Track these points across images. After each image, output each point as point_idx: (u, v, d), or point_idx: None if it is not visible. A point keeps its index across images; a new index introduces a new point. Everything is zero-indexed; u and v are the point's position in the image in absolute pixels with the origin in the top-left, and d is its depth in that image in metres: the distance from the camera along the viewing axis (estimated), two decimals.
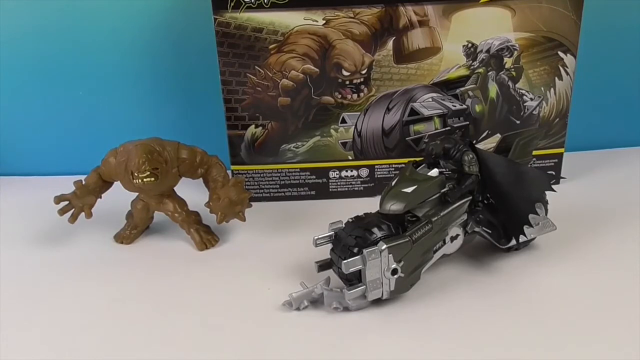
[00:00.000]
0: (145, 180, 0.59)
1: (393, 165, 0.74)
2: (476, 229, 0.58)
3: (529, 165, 0.62)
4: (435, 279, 0.57)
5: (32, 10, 0.77)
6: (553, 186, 0.60)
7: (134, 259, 0.63)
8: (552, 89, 0.72)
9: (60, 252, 0.65)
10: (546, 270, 0.58)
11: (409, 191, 0.53)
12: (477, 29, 0.68)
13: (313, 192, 0.75)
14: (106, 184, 0.64)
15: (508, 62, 0.70)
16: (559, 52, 0.70)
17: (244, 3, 0.65)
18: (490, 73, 0.71)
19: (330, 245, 0.55)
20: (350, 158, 0.73)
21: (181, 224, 0.65)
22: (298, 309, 0.53)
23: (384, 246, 0.50)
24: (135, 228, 0.66)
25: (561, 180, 0.73)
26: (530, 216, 0.57)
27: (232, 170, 0.73)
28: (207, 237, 0.65)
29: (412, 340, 0.49)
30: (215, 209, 0.61)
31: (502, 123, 0.73)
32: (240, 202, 0.62)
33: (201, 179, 0.65)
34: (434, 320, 0.51)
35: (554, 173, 0.74)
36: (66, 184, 0.63)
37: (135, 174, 0.58)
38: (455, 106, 0.72)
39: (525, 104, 0.72)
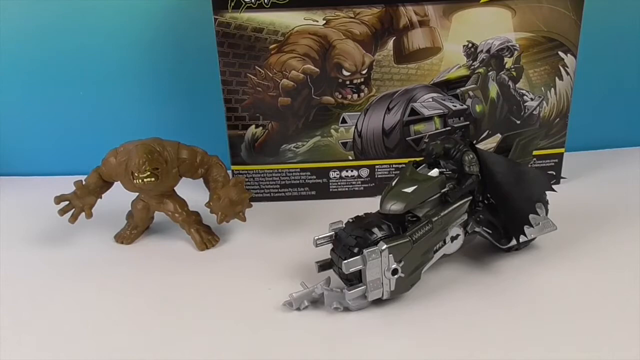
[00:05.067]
0: (145, 180, 0.59)
1: (393, 165, 0.74)
2: (476, 229, 0.58)
3: (530, 166, 0.62)
4: (436, 279, 0.57)
5: (33, 11, 0.77)
6: (553, 186, 0.60)
7: (134, 259, 0.63)
8: (552, 89, 0.72)
9: (60, 252, 0.65)
10: (546, 270, 0.58)
11: (409, 191, 0.53)
12: (478, 29, 0.68)
13: (313, 192, 0.75)
14: (106, 184, 0.64)
15: (508, 62, 0.70)
16: (560, 52, 0.70)
17: (244, 3, 0.65)
18: (490, 73, 0.71)
19: (330, 246, 0.55)
20: (350, 158, 0.73)
21: (181, 224, 0.65)
22: (298, 309, 0.53)
23: (385, 246, 0.50)
24: (136, 228, 0.66)
25: (561, 180, 0.73)
26: (531, 216, 0.57)
27: (233, 170, 0.73)
28: (207, 237, 0.65)
29: (412, 340, 0.49)
30: (216, 209, 0.61)
31: (503, 123, 0.73)
32: (240, 202, 0.62)
33: (201, 179, 0.65)
34: (434, 320, 0.51)
35: (554, 173, 0.74)
36: (66, 184, 0.63)
37: (136, 174, 0.58)
38: (455, 106, 0.72)
39: (525, 104, 0.72)
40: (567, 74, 0.71)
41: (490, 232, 0.59)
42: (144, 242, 0.67)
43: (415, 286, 0.54)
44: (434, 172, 0.55)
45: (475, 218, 0.57)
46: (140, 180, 0.59)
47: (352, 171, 0.74)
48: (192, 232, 0.64)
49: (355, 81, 0.70)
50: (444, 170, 0.56)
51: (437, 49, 0.69)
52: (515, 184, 0.56)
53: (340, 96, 0.70)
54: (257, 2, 0.65)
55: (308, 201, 0.75)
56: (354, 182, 0.75)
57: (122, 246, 0.66)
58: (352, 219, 0.55)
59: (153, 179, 0.59)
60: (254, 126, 0.71)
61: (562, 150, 0.75)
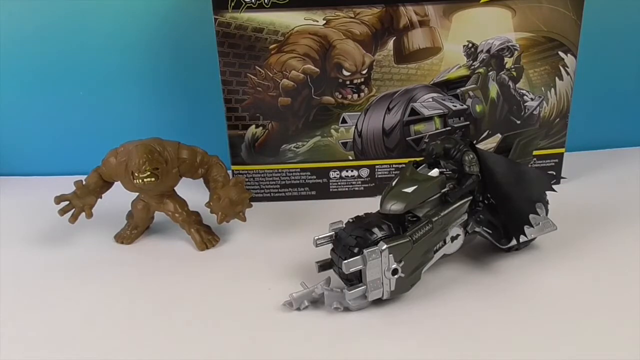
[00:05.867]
0: (145, 180, 0.59)
1: (393, 166, 0.74)
2: (476, 229, 0.58)
3: (530, 166, 0.62)
4: (436, 279, 0.57)
5: (33, 11, 0.77)
6: (553, 186, 0.60)
7: (134, 259, 0.63)
8: (552, 89, 0.72)
9: (60, 252, 0.65)
10: (546, 270, 0.58)
11: (410, 191, 0.53)
12: (478, 29, 0.68)
13: (313, 192, 0.75)
14: (106, 184, 0.64)
15: (508, 62, 0.70)
16: (560, 52, 0.70)
17: (244, 3, 0.65)
18: (490, 73, 0.71)
19: (330, 246, 0.55)
20: (350, 158, 0.73)
21: (182, 224, 0.65)
22: (298, 309, 0.53)
23: (385, 246, 0.50)
24: (136, 228, 0.66)
25: (561, 180, 0.73)
26: (531, 216, 0.57)
27: (233, 170, 0.73)
28: (207, 237, 0.65)
29: (412, 340, 0.49)
30: (216, 209, 0.61)
31: (503, 123, 0.73)
32: (240, 202, 0.62)
33: (201, 179, 0.65)
34: (434, 320, 0.51)
35: (554, 173, 0.74)
36: (66, 184, 0.63)
37: (136, 174, 0.58)
38: (455, 106, 0.72)
39: (525, 104, 0.72)
40: (567, 74, 0.71)
41: (490, 232, 0.59)
42: (144, 242, 0.67)
43: (415, 286, 0.54)
44: (434, 172, 0.55)
45: (475, 218, 0.57)
46: (140, 180, 0.59)
47: (352, 171, 0.74)
48: (192, 232, 0.64)
49: (355, 81, 0.70)
50: (444, 170, 0.56)
51: (437, 49, 0.69)
52: (515, 184, 0.56)
53: (340, 96, 0.70)
54: (257, 2, 0.65)
55: (308, 201, 0.75)
56: (354, 182, 0.75)
57: (122, 246, 0.66)
58: (352, 219, 0.55)
59: (153, 179, 0.59)
60: (254, 126, 0.71)
61: (562, 150, 0.75)
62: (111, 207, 0.66)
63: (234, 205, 0.62)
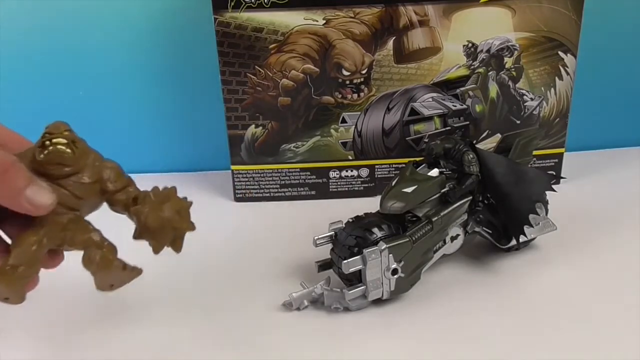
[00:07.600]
0: (58, 147, 0.41)
1: (393, 165, 0.74)
2: (476, 229, 0.58)
3: (529, 165, 0.62)
4: (436, 279, 0.57)
5: (32, 10, 0.77)
6: (553, 186, 0.60)
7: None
8: (552, 89, 0.72)
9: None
10: (546, 270, 0.58)
11: (409, 191, 0.53)
12: (478, 28, 0.68)
13: (313, 192, 0.75)
14: None
15: (508, 62, 0.70)
16: (559, 52, 0.70)
17: (244, 3, 0.65)
18: (490, 73, 0.71)
19: (330, 245, 0.55)
20: (350, 158, 0.73)
21: (101, 260, 0.45)
22: (298, 309, 0.53)
23: (384, 246, 0.50)
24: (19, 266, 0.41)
25: (561, 180, 0.73)
26: (531, 216, 0.57)
27: (233, 170, 0.73)
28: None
29: (412, 340, 0.49)
30: (149, 233, 0.43)
31: (503, 123, 0.73)
32: (180, 219, 0.43)
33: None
34: (434, 320, 0.51)
35: (554, 173, 0.74)
36: None
37: (46, 137, 0.41)
38: (455, 106, 0.72)
39: (525, 104, 0.72)
40: (567, 74, 0.71)
41: (490, 232, 0.59)
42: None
43: (415, 286, 0.54)
44: (434, 172, 0.55)
45: (475, 218, 0.57)
46: (52, 147, 0.41)
47: (352, 171, 0.74)
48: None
49: (355, 81, 0.69)
50: (444, 170, 0.56)
51: (437, 49, 0.69)
52: (515, 184, 0.56)
53: (340, 96, 0.70)
54: (257, 1, 0.65)
55: (308, 201, 0.75)
56: (353, 182, 0.75)
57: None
58: (352, 219, 0.55)
59: (69, 151, 0.41)
60: (253, 126, 0.71)
61: (562, 150, 0.74)
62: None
63: (172, 223, 0.43)
